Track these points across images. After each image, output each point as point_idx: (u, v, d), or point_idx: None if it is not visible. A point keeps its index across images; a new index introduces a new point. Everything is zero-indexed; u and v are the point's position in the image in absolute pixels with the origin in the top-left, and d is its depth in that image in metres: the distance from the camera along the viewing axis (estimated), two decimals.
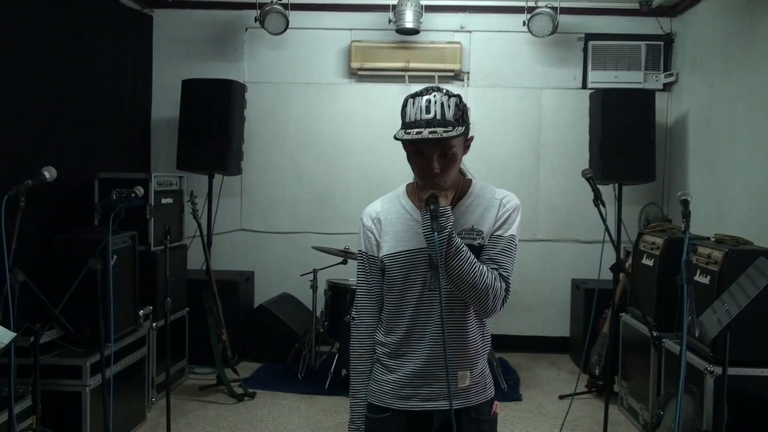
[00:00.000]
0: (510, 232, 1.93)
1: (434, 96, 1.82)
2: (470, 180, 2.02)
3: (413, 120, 1.82)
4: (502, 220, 1.94)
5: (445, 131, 1.78)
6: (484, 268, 1.86)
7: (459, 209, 1.95)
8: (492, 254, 1.91)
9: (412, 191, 2.01)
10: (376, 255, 2.01)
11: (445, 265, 1.80)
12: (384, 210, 2.03)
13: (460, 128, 1.80)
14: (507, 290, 1.89)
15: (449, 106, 1.81)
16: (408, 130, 1.81)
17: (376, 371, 2.03)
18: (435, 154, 1.82)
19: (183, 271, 5.03)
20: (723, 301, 2.88)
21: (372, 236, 2.02)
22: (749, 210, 4.41)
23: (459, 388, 1.94)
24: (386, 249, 1.98)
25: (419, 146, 1.83)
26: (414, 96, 1.85)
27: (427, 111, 1.80)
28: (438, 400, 1.94)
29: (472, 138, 1.93)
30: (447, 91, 1.85)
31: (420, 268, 1.93)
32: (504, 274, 1.89)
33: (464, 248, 1.83)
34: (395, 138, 1.84)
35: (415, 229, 1.93)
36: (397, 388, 1.97)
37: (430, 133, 1.77)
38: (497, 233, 1.93)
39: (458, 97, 1.85)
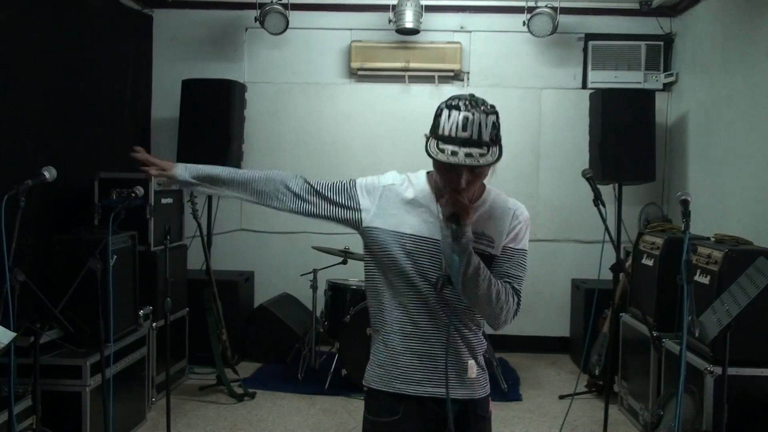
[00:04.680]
0: (522, 245, 1.95)
1: (473, 114, 1.75)
2: (484, 185, 2.00)
3: (448, 135, 1.75)
4: (514, 232, 1.94)
5: (481, 154, 1.74)
6: (500, 284, 1.87)
7: (477, 209, 1.93)
8: (505, 267, 1.92)
9: (431, 180, 1.97)
10: (353, 201, 1.98)
11: (464, 284, 1.81)
12: (402, 188, 1.98)
13: (495, 149, 1.77)
14: (518, 305, 1.91)
15: (486, 126, 1.75)
16: (442, 145, 1.76)
17: (382, 355, 1.98)
18: (465, 170, 1.78)
19: (183, 271, 5.02)
20: (723, 301, 2.88)
21: (374, 195, 1.98)
22: (749, 210, 4.41)
23: (468, 378, 1.96)
24: (391, 225, 1.93)
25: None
26: (450, 107, 1.78)
27: (464, 129, 1.74)
28: (450, 386, 1.91)
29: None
30: (485, 106, 1.78)
31: (429, 259, 1.90)
32: (516, 287, 1.91)
33: (482, 267, 1.83)
34: (428, 153, 1.78)
35: (424, 218, 1.91)
36: (408, 372, 1.93)
37: (466, 156, 1.73)
38: (510, 245, 1.93)
39: (495, 114, 1.79)
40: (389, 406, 1.95)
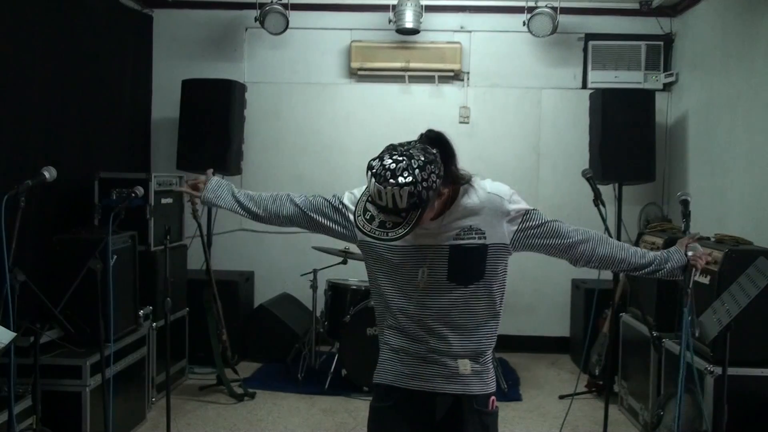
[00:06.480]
0: (539, 218, 2.04)
1: (384, 188, 1.71)
2: (458, 186, 1.97)
3: (372, 197, 1.79)
4: (519, 214, 1.99)
5: (395, 224, 1.75)
6: (627, 251, 2.13)
7: (454, 210, 1.94)
8: (563, 238, 2.07)
9: None
10: (345, 219, 2.06)
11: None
12: None
13: (415, 213, 1.75)
14: (585, 232, 2.12)
15: (401, 197, 1.72)
16: (369, 205, 1.81)
17: (383, 354, 2.10)
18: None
19: (183, 271, 5.02)
20: (723, 301, 2.88)
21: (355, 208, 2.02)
22: (749, 210, 4.41)
23: (460, 374, 2.00)
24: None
25: None
26: (371, 171, 1.76)
27: (380, 198, 1.75)
28: (439, 383, 1.99)
29: (445, 190, 1.88)
30: (405, 176, 1.71)
31: (409, 263, 1.96)
32: (576, 231, 2.09)
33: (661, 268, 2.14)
34: (355, 221, 1.84)
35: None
36: (400, 367, 2.03)
37: (379, 224, 1.77)
38: (529, 224, 2.01)
39: (412, 184, 1.70)
40: (385, 394, 2.07)
